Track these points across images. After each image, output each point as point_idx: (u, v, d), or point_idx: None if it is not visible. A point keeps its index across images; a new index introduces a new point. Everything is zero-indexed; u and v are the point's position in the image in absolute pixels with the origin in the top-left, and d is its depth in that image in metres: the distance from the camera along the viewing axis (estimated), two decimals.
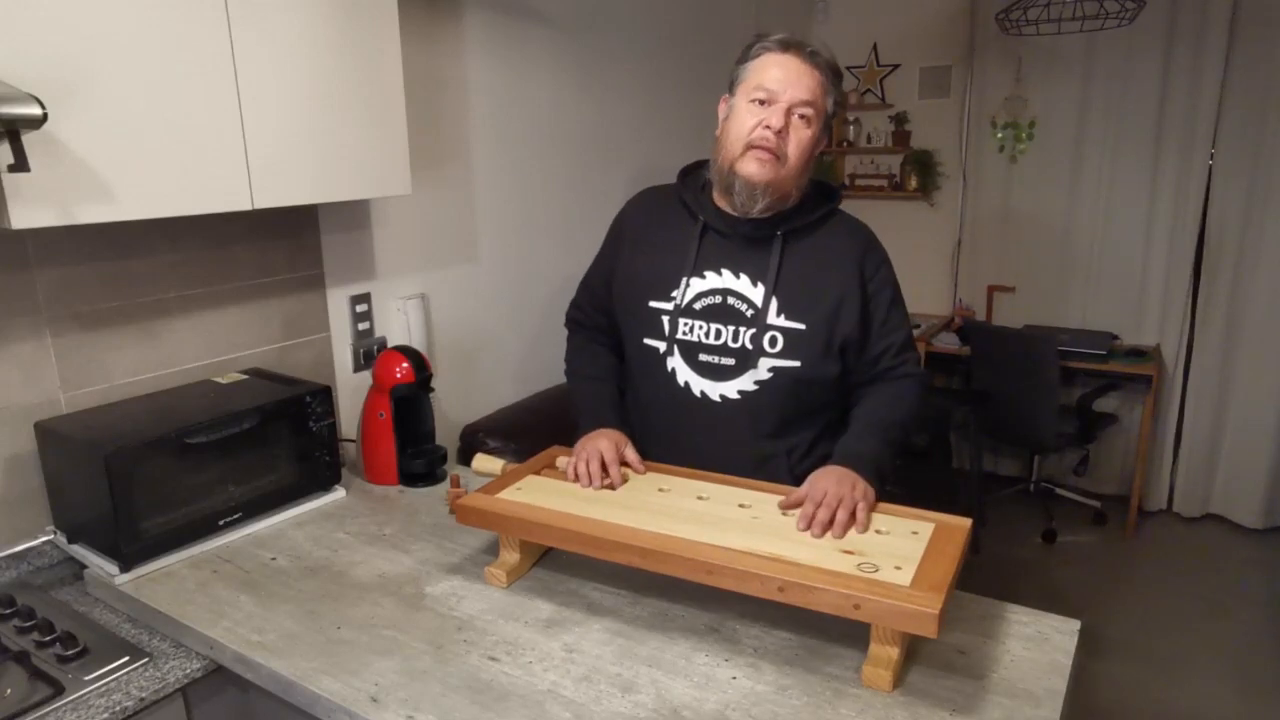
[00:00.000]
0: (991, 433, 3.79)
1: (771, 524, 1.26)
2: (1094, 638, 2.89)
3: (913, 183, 4.15)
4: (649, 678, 1.14)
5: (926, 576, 1.09)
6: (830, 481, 1.28)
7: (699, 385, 1.46)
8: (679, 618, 1.28)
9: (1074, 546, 3.61)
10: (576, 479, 1.41)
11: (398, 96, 1.70)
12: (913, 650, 1.17)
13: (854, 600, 1.06)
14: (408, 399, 1.84)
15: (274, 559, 1.49)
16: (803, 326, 1.41)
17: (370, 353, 2.06)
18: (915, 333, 1.50)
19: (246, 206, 1.46)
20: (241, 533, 1.57)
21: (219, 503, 1.53)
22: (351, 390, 2.02)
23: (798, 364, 1.42)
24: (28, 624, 1.30)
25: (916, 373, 1.48)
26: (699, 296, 1.46)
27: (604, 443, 1.44)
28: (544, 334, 2.62)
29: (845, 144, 4.33)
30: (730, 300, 1.44)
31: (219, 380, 1.70)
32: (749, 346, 1.43)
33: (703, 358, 1.46)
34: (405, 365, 1.81)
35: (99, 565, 1.42)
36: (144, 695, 1.18)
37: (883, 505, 1.31)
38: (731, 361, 1.44)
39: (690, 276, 1.46)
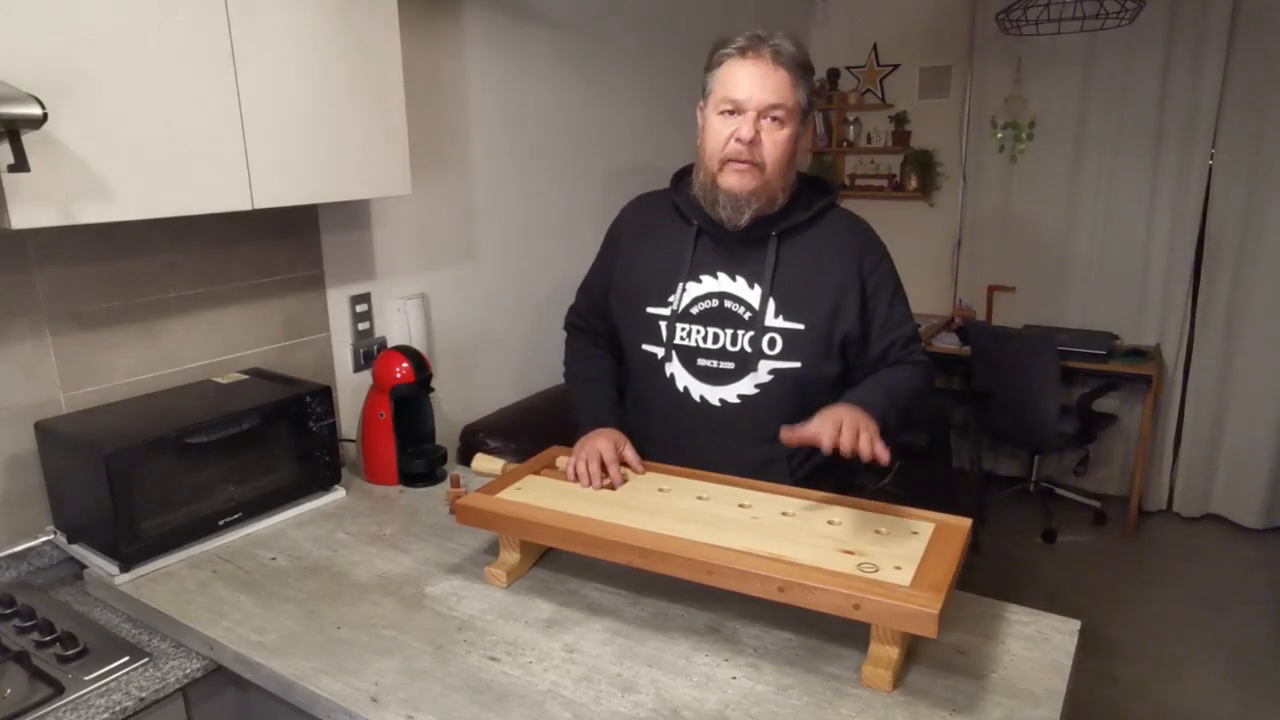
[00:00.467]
0: (991, 433, 3.79)
1: (772, 524, 1.26)
2: (1094, 638, 2.89)
3: (913, 183, 4.15)
4: (649, 678, 1.14)
5: (926, 576, 1.09)
6: (841, 411, 1.25)
7: (698, 390, 1.46)
8: (679, 618, 1.28)
9: (1074, 546, 3.61)
10: (576, 479, 1.41)
11: (398, 96, 1.70)
12: (913, 650, 1.17)
13: (854, 600, 1.06)
14: (408, 399, 1.84)
15: (274, 559, 1.49)
16: (801, 327, 1.41)
17: (370, 353, 2.06)
18: (919, 329, 1.49)
19: (246, 206, 1.46)
20: (241, 533, 1.57)
21: (219, 503, 1.53)
22: (351, 390, 2.02)
23: (798, 365, 1.41)
24: (28, 624, 1.30)
25: (924, 361, 1.48)
26: (696, 301, 1.46)
27: (603, 443, 1.44)
28: (543, 334, 2.62)
29: (845, 144, 4.33)
30: (727, 303, 1.44)
31: (219, 380, 1.70)
32: (748, 349, 1.42)
33: (701, 362, 1.45)
34: (405, 365, 1.81)
35: (99, 565, 1.42)
36: (144, 695, 1.18)
37: (883, 505, 1.31)
38: (731, 365, 1.43)
39: (686, 281, 1.46)
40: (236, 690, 1.31)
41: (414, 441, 1.87)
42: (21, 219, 1.18)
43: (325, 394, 1.68)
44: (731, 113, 1.35)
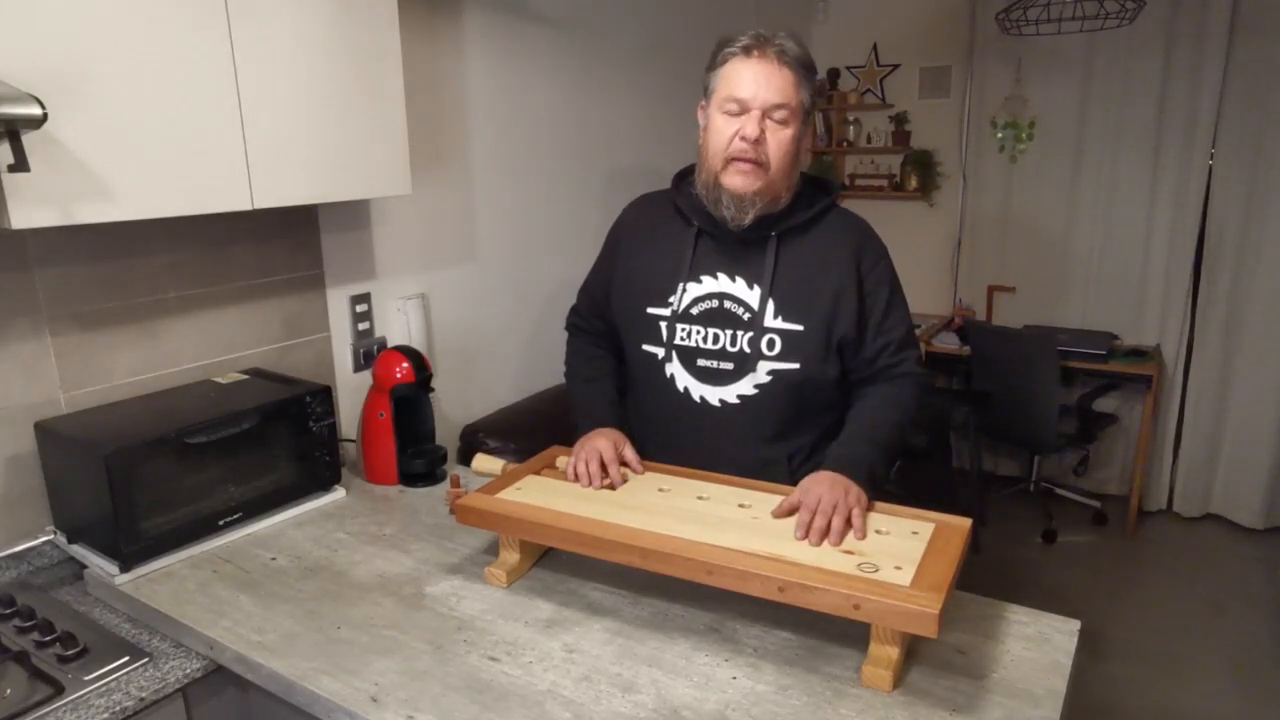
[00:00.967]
0: (991, 433, 3.79)
1: (771, 524, 1.26)
2: (1094, 638, 2.89)
3: (913, 183, 4.15)
4: (649, 678, 1.14)
5: (926, 576, 1.09)
6: (823, 488, 1.26)
7: (698, 390, 1.46)
8: (679, 618, 1.28)
9: (1074, 546, 3.61)
10: (576, 479, 1.41)
11: (398, 96, 1.70)
12: (913, 650, 1.17)
13: (854, 600, 1.06)
14: (408, 399, 1.84)
15: (274, 559, 1.49)
16: (800, 328, 1.41)
17: (370, 353, 2.06)
18: (915, 332, 1.48)
19: (246, 207, 1.46)
20: (241, 533, 1.57)
21: (219, 503, 1.53)
22: (351, 390, 2.02)
23: (796, 366, 1.41)
24: (28, 624, 1.30)
25: (915, 372, 1.46)
26: (696, 301, 1.46)
27: (602, 442, 1.44)
28: (543, 334, 2.62)
29: (845, 144, 4.33)
30: (727, 304, 1.44)
31: (219, 380, 1.70)
32: (747, 350, 1.42)
33: (701, 363, 1.45)
34: (405, 365, 1.81)
35: (99, 565, 1.42)
36: (144, 695, 1.18)
37: (882, 505, 1.31)
38: (730, 366, 1.43)
39: (686, 282, 1.46)
40: (236, 690, 1.31)
41: (414, 441, 1.87)
42: (21, 219, 1.18)
43: (325, 394, 1.68)
44: (736, 112, 1.35)
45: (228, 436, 1.52)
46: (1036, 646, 1.19)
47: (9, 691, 1.17)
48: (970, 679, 1.12)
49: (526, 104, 2.46)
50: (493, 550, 1.45)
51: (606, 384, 1.60)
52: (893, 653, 1.11)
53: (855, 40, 4.18)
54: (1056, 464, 4.06)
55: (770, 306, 1.41)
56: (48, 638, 1.27)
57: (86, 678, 1.19)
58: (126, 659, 1.24)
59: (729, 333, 1.43)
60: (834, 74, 4.27)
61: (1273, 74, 3.35)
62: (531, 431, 2.21)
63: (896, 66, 4.16)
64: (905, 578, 1.10)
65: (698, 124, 1.45)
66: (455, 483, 1.60)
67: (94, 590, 1.44)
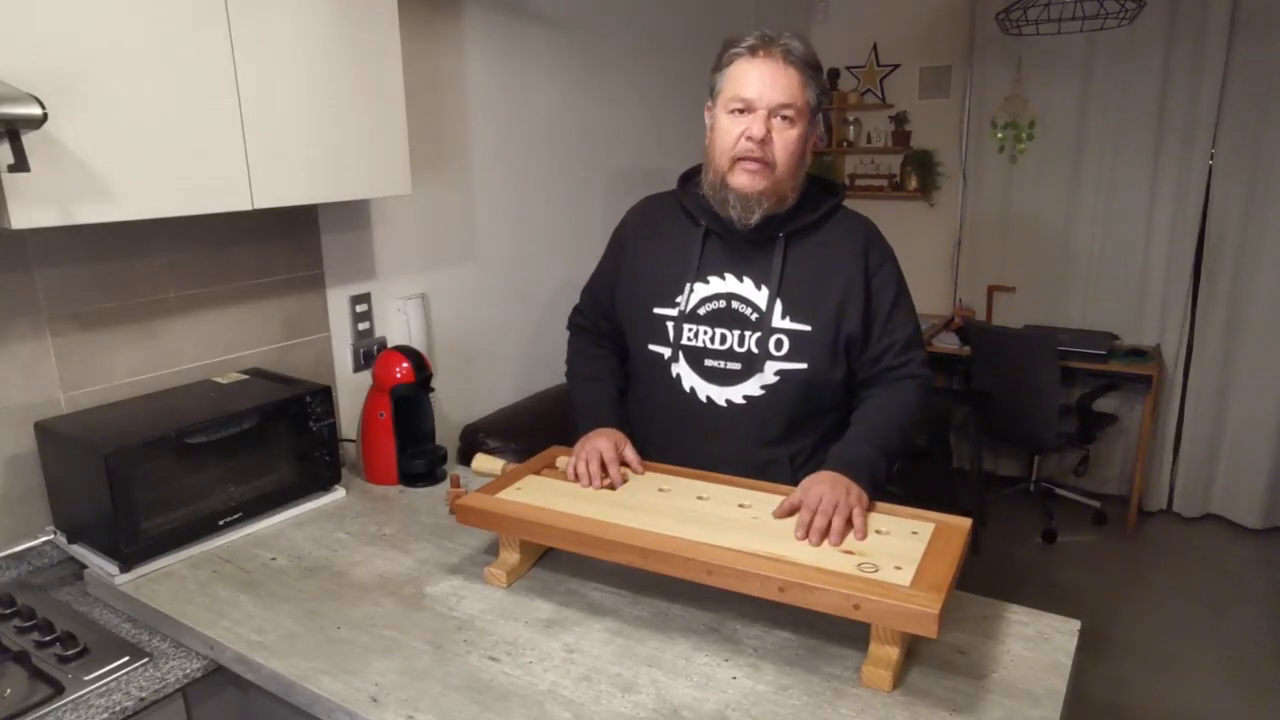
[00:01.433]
0: (991, 433, 3.79)
1: (771, 524, 1.25)
2: (1094, 638, 2.89)
3: (913, 183, 4.15)
4: (649, 678, 1.14)
5: (926, 576, 1.09)
6: (824, 487, 1.26)
7: (705, 390, 1.46)
8: (679, 618, 1.28)
9: (1074, 546, 3.61)
10: (576, 479, 1.41)
11: (398, 96, 1.70)
12: (913, 650, 1.17)
13: (854, 600, 1.06)
14: (408, 399, 1.84)
15: (274, 559, 1.49)
16: (808, 328, 1.41)
17: (370, 353, 2.06)
18: (922, 334, 1.48)
19: (246, 206, 1.46)
20: (241, 533, 1.57)
21: (219, 503, 1.53)
22: (351, 390, 2.02)
23: (804, 366, 1.41)
24: (28, 624, 1.30)
25: (920, 374, 1.46)
26: (703, 301, 1.46)
27: (603, 442, 1.44)
28: (544, 334, 2.62)
29: (845, 144, 4.33)
30: (734, 304, 1.44)
31: (219, 380, 1.70)
32: (754, 350, 1.42)
33: (708, 363, 1.45)
34: (405, 365, 1.81)
35: (99, 565, 1.42)
36: (144, 695, 1.18)
37: (882, 505, 1.31)
38: (737, 366, 1.44)
39: (694, 282, 1.46)
40: (236, 690, 1.31)
41: (414, 441, 1.87)
42: (21, 219, 1.18)
43: (325, 394, 1.68)
44: (742, 111, 1.36)
45: (228, 436, 1.52)
46: (1036, 646, 1.19)
47: (9, 691, 1.17)
48: (970, 679, 1.12)
49: (526, 104, 2.46)
50: (493, 550, 1.45)
51: (608, 384, 1.60)
52: (893, 653, 1.11)
53: (855, 40, 4.18)
54: (1056, 464, 4.06)
55: (778, 307, 1.42)
56: (48, 638, 1.27)
57: (86, 678, 1.19)
58: (126, 659, 1.24)
59: (736, 333, 1.43)
60: (834, 74, 4.27)
61: (1273, 74, 3.35)
62: (531, 431, 2.21)
63: (896, 66, 4.16)
64: (905, 578, 1.10)
65: (699, 123, 1.45)
66: (455, 483, 1.60)
67: (94, 590, 1.44)
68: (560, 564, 1.42)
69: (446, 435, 2.10)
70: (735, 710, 1.07)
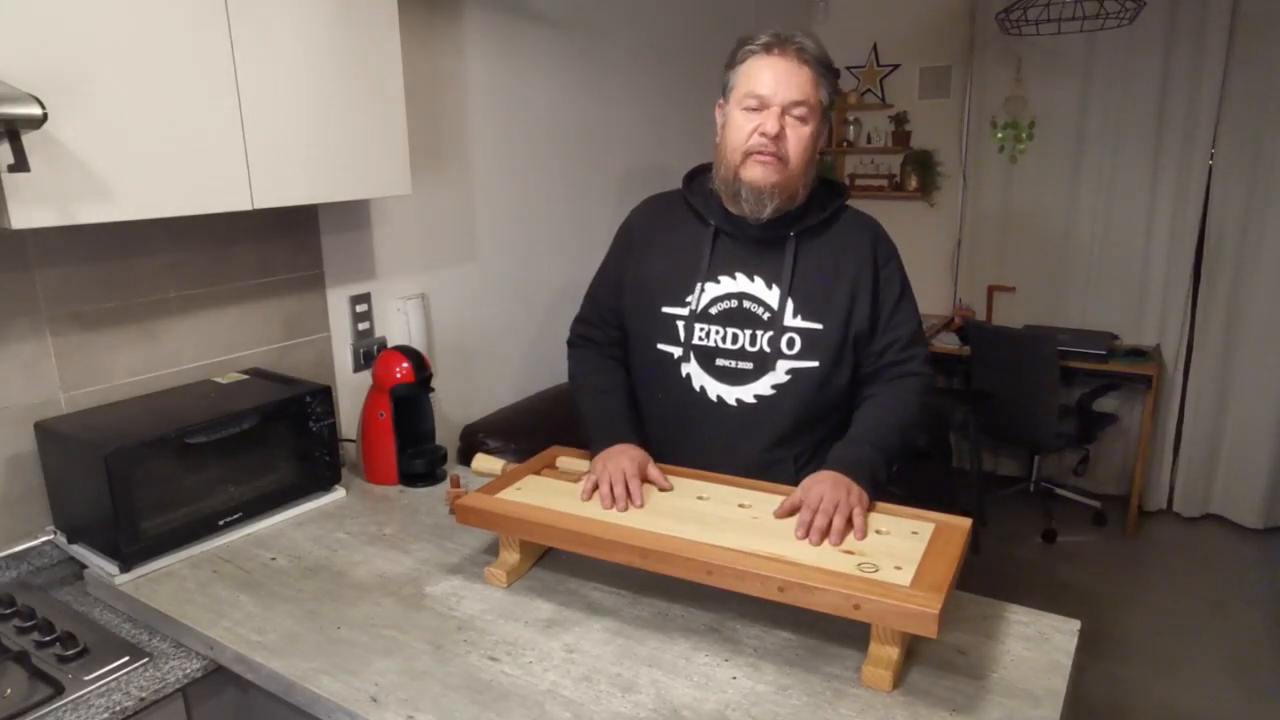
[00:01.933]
0: (991, 433, 3.79)
1: (771, 524, 1.25)
2: (1094, 638, 2.89)
3: (913, 183, 4.15)
4: (649, 678, 1.14)
5: (926, 576, 1.09)
6: (825, 487, 1.26)
7: (715, 390, 1.46)
8: (679, 618, 1.28)
9: (1074, 546, 3.61)
10: (591, 496, 1.36)
11: (398, 96, 1.70)
12: (913, 650, 1.17)
13: (854, 600, 1.06)
14: (408, 399, 1.84)
15: (274, 559, 1.49)
16: (820, 326, 1.41)
17: (370, 353, 2.06)
18: (924, 332, 1.49)
19: (246, 207, 1.46)
20: (241, 533, 1.57)
21: (219, 503, 1.53)
22: (351, 390, 2.02)
23: (816, 364, 1.42)
24: (28, 624, 1.30)
25: (921, 371, 1.47)
26: (714, 301, 1.46)
27: (625, 462, 1.38)
28: (544, 334, 2.62)
29: (845, 144, 4.33)
30: (746, 304, 1.44)
31: (219, 380, 1.70)
32: (766, 349, 1.43)
33: (720, 362, 1.45)
34: (405, 365, 1.81)
35: (99, 565, 1.42)
36: (144, 695, 1.18)
37: (882, 505, 1.31)
38: (749, 365, 1.44)
39: (705, 281, 1.46)
40: (236, 690, 1.31)
41: (414, 441, 1.87)
42: (21, 219, 1.18)
43: (325, 394, 1.68)
44: (756, 108, 1.36)
45: (228, 436, 1.52)
46: (1036, 646, 1.19)
47: (9, 691, 1.17)
48: (970, 679, 1.12)
49: (526, 104, 2.46)
50: (493, 550, 1.45)
51: (621, 396, 1.55)
52: (893, 653, 1.11)
53: (855, 40, 4.18)
54: (1056, 464, 4.06)
55: (790, 305, 1.42)
56: (48, 638, 1.27)
57: (86, 678, 1.19)
58: (126, 659, 1.24)
59: (748, 332, 1.44)
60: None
61: (1273, 74, 3.35)
62: (531, 431, 2.22)
63: (896, 66, 4.16)
64: (905, 578, 1.10)
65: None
66: (455, 483, 1.60)
67: (94, 590, 1.44)
68: (560, 564, 1.42)
69: (446, 435, 2.10)
70: (735, 710, 1.07)
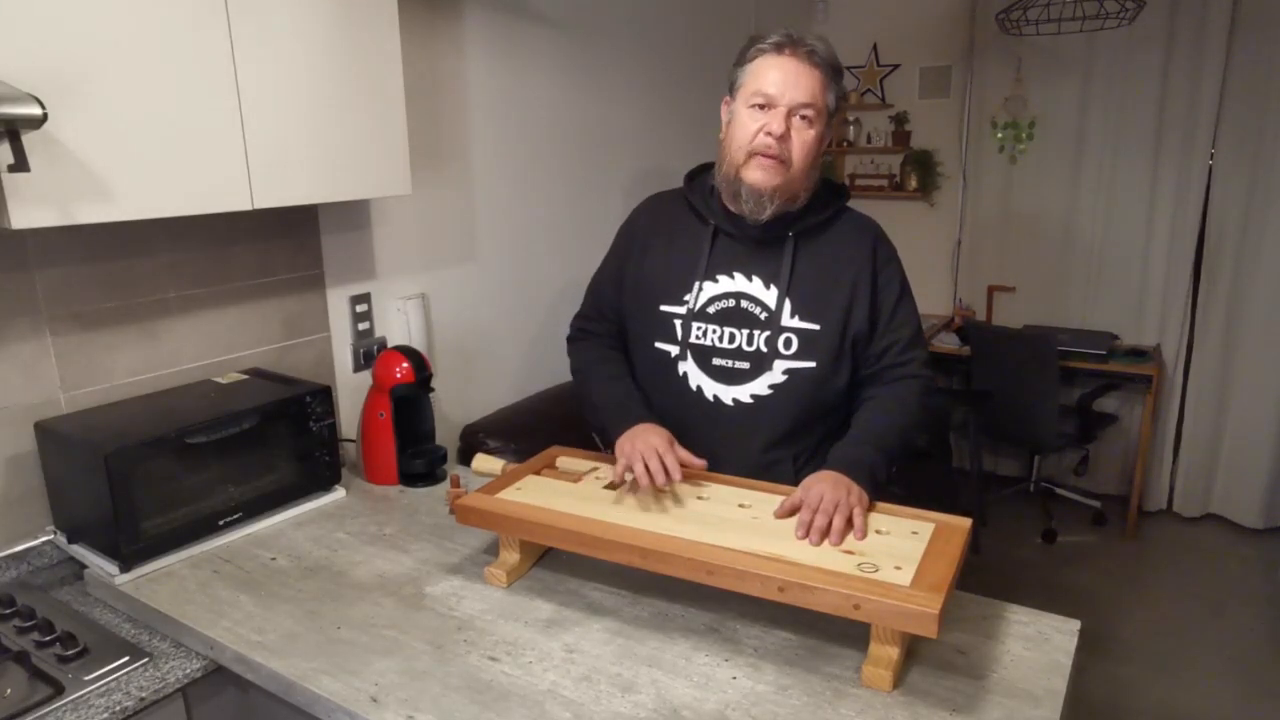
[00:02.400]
0: (991, 433, 3.79)
1: (771, 524, 1.25)
2: (1094, 638, 2.89)
3: (913, 183, 4.15)
4: (649, 678, 1.14)
5: (926, 576, 1.09)
6: (825, 486, 1.26)
7: (712, 389, 1.46)
8: (679, 618, 1.28)
9: (1074, 546, 3.61)
10: (625, 479, 1.35)
11: (398, 96, 1.70)
12: (913, 650, 1.17)
13: (854, 600, 1.06)
14: (408, 399, 1.84)
15: (274, 559, 1.49)
16: (817, 327, 1.41)
17: (370, 353, 2.06)
18: (924, 334, 1.49)
19: (247, 207, 1.46)
20: (241, 533, 1.57)
21: (219, 503, 1.53)
22: (351, 390, 2.02)
23: (813, 365, 1.42)
24: (28, 624, 1.30)
25: (921, 374, 1.47)
26: (712, 300, 1.46)
27: (655, 439, 1.36)
28: (544, 334, 2.62)
29: (845, 144, 4.33)
30: (743, 304, 1.44)
31: (219, 380, 1.70)
32: (763, 349, 1.43)
33: (716, 361, 1.45)
34: (405, 365, 1.81)
35: (99, 565, 1.42)
36: (144, 695, 1.18)
37: (882, 505, 1.31)
38: (746, 365, 1.44)
39: (703, 280, 1.46)
40: (236, 690, 1.31)
41: (414, 441, 1.87)
42: (21, 219, 1.18)
43: (325, 394, 1.68)
44: (763, 107, 1.36)
45: (228, 436, 1.52)
46: (1036, 646, 1.19)
47: (9, 691, 1.17)
48: (970, 679, 1.12)
49: (526, 104, 2.46)
50: (493, 550, 1.45)
51: (631, 381, 1.55)
52: (893, 653, 1.11)
53: (855, 40, 4.18)
54: (1056, 464, 4.06)
55: (787, 306, 1.42)
56: (48, 638, 1.27)
57: (86, 678, 1.19)
58: (126, 659, 1.24)
59: (745, 332, 1.44)
60: None
61: (1273, 74, 3.34)
62: (531, 431, 2.21)
63: (896, 66, 4.16)
64: (905, 578, 1.10)
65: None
66: (455, 483, 1.60)
67: (94, 590, 1.44)
68: (560, 564, 1.42)
69: (446, 435, 2.10)
70: (735, 710, 1.07)
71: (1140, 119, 3.63)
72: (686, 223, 1.51)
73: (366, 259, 2.05)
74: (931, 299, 4.25)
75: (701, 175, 1.54)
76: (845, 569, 1.12)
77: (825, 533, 1.20)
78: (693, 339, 1.46)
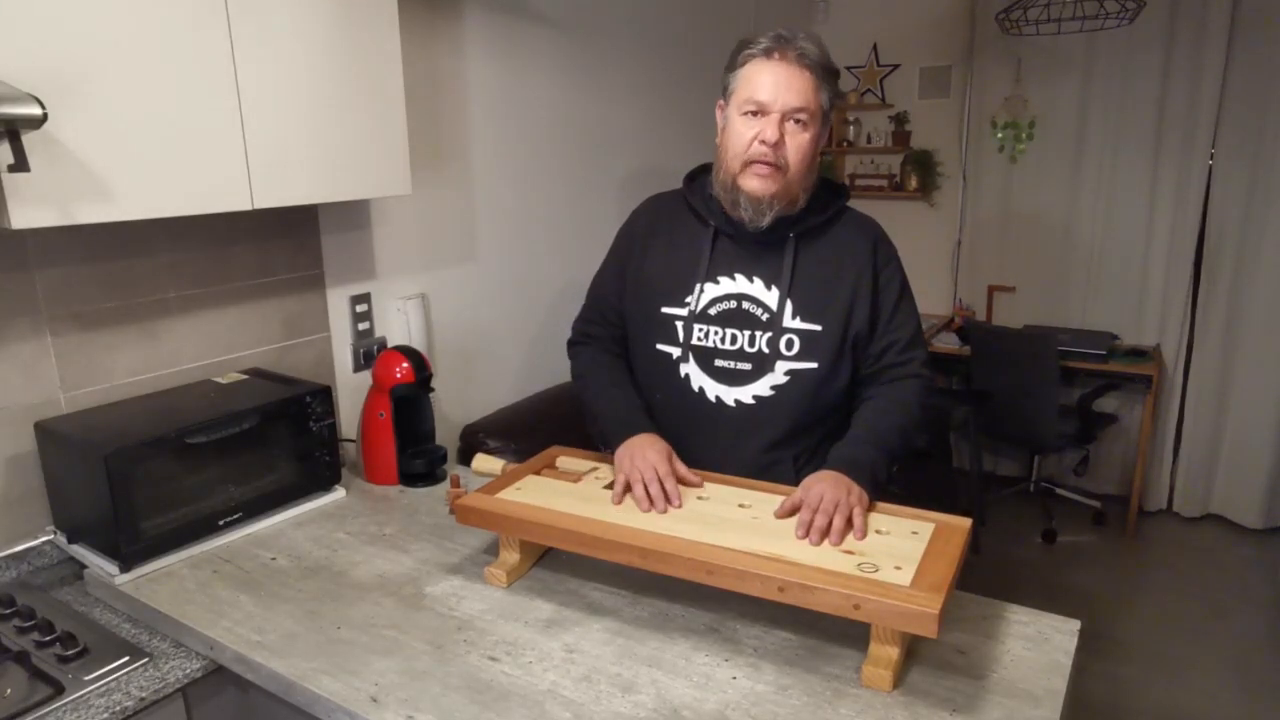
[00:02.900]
0: (991, 433, 3.79)
1: (771, 524, 1.25)
2: (1094, 638, 2.89)
3: (913, 183, 4.15)
4: (649, 678, 1.14)
5: (926, 576, 1.09)
6: (825, 486, 1.26)
7: (714, 390, 1.46)
8: (679, 618, 1.28)
9: (1074, 546, 3.61)
10: (623, 499, 1.34)
11: (398, 96, 1.70)
12: (913, 650, 1.17)
13: (854, 600, 1.06)
14: (408, 399, 1.84)
15: (274, 559, 1.49)
16: (819, 328, 1.41)
17: (370, 353, 2.06)
18: (923, 334, 1.49)
19: (247, 206, 1.46)
20: (241, 533, 1.57)
21: (219, 503, 1.53)
22: (351, 390, 2.02)
23: (814, 365, 1.42)
24: (28, 624, 1.30)
25: (920, 374, 1.47)
26: (714, 302, 1.46)
27: (653, 455, 1.36)
28: (544, 334, 2.62)
29: (845, 144, 4.33)
30: (745, 305, 1.44)
31: (219, 380, 1.70)
32: (765, 350, 1.43)
33: (718, 363, 1.45)
34: (405, 365, 1.81)
35: (99, 565, 1.42)
36: (144, 695, 1.18)
37: (882, 505, 1.31)
38: (748, 366, 1.44)
39: (704, 282, 1.46)
40: (236, 690, 1.31)
41: (414, 441, 1.87)
42: (21, 219, 1.18)
43: (325, 394, 1.68)
44: (755, 114, 1.35)
45: (228, 436, 1.51)
46: (1036, 646, 1.19)
47: (9, 691, 1.17)
48: (970, 679, 1.12)
49: (526, 104, 2.46)
50: (493, 550, 1.45)
51: (632, 389, 1.54)
52: (893, 653, 1.11)
53: (855, 40, 4.18)
54: (1056, 464, 4.06)
55: (789, 307, 1.42)
56: (48, 638, 1.27)
57: (86, 678, 1.19)
58: (126, 659, 1.24)
59: (747, 333, 1.43)
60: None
61: (1273, 74, 3.35)
62: (531, 431, 2.22)
63: (896, 66, 4.16)
64: (905, 578, 1.10)
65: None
66: (455, 483, 1.60)
67: (94, 590, 1.44)
68: (560, 564, 1.42)
69: (446, 435, 2.10)
70: (735, 710, 1.07)
71: (1140, 119, 3.63)
72: (686, 224, 1.51)
73: (366, 259, 2.05)
74: (931, 299, 4.25)
75: (701, 176, 1.53)
76: (845, 569, 1.12)
77: (825, 533, 1.20)
78: (694, 341, 1.46)
